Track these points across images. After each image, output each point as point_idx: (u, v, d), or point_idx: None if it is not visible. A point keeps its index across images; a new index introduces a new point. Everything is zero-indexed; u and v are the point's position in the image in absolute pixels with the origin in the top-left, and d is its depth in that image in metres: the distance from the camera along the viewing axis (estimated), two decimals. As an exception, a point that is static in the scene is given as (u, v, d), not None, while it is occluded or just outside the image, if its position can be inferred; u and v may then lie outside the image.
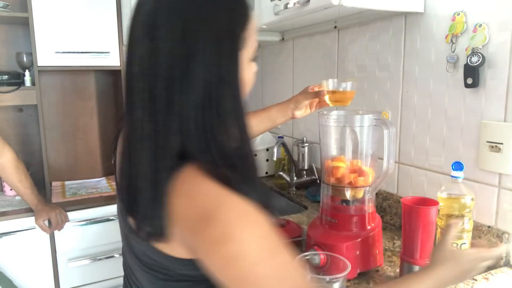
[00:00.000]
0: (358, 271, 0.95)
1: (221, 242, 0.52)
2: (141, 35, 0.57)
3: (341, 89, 0.99)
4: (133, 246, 0.67)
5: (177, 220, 0.55)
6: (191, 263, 0.58)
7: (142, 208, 0.57)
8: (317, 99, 1.06)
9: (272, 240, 0.56)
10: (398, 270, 0.97)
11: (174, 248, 0.59)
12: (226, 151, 0.56)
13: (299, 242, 1.16)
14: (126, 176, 0.61)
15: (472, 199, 0.92)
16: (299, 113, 1.08)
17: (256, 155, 1.92)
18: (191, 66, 0.54)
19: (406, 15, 1.21)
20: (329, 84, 1.00)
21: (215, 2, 0.57)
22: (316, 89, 1.04)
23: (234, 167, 0.56)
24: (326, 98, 1.01)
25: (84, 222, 1.80)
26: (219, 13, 0.56)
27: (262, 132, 1.17)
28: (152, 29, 0.55)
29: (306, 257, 0.86)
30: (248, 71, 0.63)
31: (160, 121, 0.55)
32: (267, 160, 1.94)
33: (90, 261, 1.83)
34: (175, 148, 0.55)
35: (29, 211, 1.72)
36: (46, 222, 1.67)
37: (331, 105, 1.03)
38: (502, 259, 0.98)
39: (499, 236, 0.97)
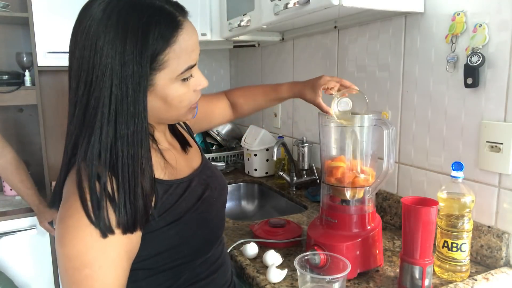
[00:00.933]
0: (358, 271, 0.95)
1: (58, 222, 0.61)
2: (70, 42, 0.64)
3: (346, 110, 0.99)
4: None
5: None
6: None
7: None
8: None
9: (88, 264, 0.58)
10: (398, 270, 0.97)
11: None
12: (111, 162, 0.61)
13: (299, 242, 1.16)
14: None
15: (472, 200, 0.92)
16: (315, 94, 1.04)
17: (256, 155, 1.92)
18: (98, 81, 0.60)
19: (406, 15, 1.21)
20: (335, 107, 0.98)
21: (128, 23, 0.60)
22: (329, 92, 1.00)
23: (114, 179, 0.60)
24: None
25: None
26: (129, 35, 0.60)
27: (271, 106, 1.19)
28: (74, 38, 0.63)
29: (306, 257, 0.86)
30: (175, 90, 0.66)
31: (69, 127, 0.65)
32: (267, 160, 1.94)
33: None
34: (70, 152, 0.65)
35: (29, 211, 1.73)
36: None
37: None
38: (502, 259, 0.98)
39: (499, 236, 0.97)
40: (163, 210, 0.68)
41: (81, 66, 0.61)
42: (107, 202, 0.59)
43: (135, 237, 0.63)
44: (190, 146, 0.86)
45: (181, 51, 0.64)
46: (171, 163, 0.74)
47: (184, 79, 0.67)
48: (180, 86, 0.67)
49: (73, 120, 0.63)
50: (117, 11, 0.60)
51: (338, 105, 0.97)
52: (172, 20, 0.63)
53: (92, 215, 0.58)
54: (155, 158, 0.70)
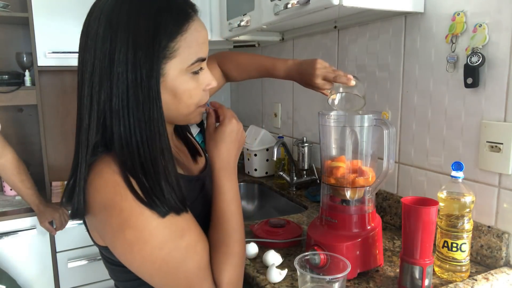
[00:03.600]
0: (358, 271, 0.95)
1: (120, 229, 0.58)
2: (81, 35, 0.64)
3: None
4: None
5: (88, 209, 0.61)
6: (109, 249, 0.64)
7: (67, 193, 0.65)
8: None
9: (172, 225, 0.61)
10: (398, 270, 0.97)
11: (94, 235, 0.67)
12: (131, 148, 0.61)
13: (299, 242, 1.16)
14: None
15: (472, 200, 0.92)
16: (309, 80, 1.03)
17: (256, 155, 1.92)
18: (111, 67, 0.60)
19: (406, 15, 1.21)
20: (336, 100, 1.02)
21: (140, 9, 0.60)
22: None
23: (141, 163, 0.61)
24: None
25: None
26: (141, 20, 0.60)
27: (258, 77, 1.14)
28: (86, 28, 0.63)
29: (306, 257, 0.86)
30: (185, 83, 0.65)
31: (84, 116, 0.62)
32: (267, 160, 1.94)
33: (90, 261, 1.83)
34: (92, 142, 0.62)
35: (29, 211, 1.73)
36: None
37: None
38: (502, 259, 0.98)
39: (499, 236, 0.97)
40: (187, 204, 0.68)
41: (95, 54, 0.60)
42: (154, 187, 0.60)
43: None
44: (200, 155, 0.86)
45: (192, 41, 0.64)
46: (182, 161, 0.75)
47: (195, 73, 0.66)
48: (190, 80, 0.66)
49: (82, 115, 0.62)
50: (129, 1, 0.61)
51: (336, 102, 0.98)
52: (183, 10, 0.64)
53: (151, 203, 0.59)
54: None
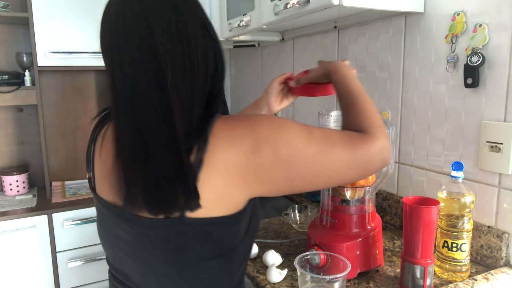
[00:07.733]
0: (358, 271, 0.95)
1: (276, 150, 0.63)
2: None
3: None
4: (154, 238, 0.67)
5: (223, 166, 0.61)
6: (225, 221, 0.64)
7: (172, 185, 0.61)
8: (285, 87, 1.06)
9: (307, 132, 0.67)
10: (398, 270, 0.97)
11: (208, 208, 0.62)
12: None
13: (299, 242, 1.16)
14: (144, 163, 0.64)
15: (472, 200, 0.92)
16: (272, 100, 1.07)
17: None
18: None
19: (406, 15, 1.21)
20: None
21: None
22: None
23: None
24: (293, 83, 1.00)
25: (84, 222, 1.80)
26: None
27: None
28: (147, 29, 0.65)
29: (306, 257, 0.86)
30: None
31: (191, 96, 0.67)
32: (267, 160, 1.94)
33: (90, 261, 1.83)
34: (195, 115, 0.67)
35: (29, 211, 1.73)
36: None
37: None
38: (502, 259, 0.98)
39: (499, 236, 0.98)
40: None
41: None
42: None
43: None
44: None
45: None
46: None
47: None
48: None
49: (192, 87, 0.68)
50: None
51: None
52: None
53: None
54: None
